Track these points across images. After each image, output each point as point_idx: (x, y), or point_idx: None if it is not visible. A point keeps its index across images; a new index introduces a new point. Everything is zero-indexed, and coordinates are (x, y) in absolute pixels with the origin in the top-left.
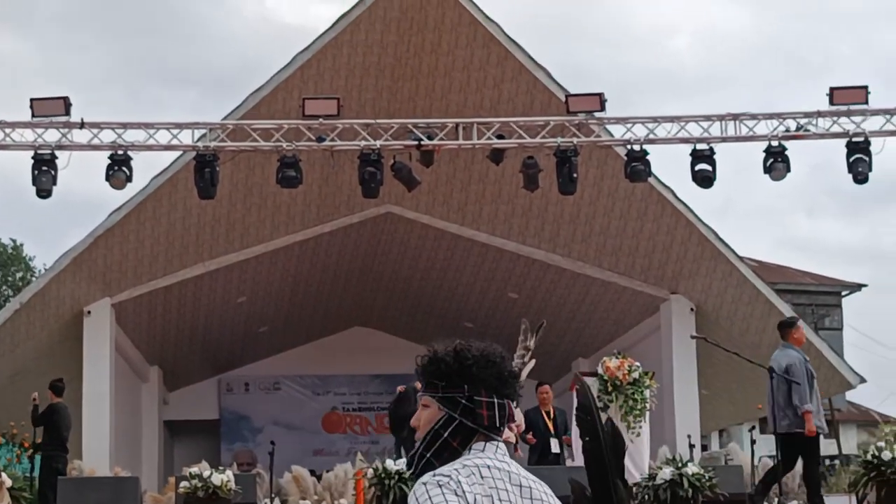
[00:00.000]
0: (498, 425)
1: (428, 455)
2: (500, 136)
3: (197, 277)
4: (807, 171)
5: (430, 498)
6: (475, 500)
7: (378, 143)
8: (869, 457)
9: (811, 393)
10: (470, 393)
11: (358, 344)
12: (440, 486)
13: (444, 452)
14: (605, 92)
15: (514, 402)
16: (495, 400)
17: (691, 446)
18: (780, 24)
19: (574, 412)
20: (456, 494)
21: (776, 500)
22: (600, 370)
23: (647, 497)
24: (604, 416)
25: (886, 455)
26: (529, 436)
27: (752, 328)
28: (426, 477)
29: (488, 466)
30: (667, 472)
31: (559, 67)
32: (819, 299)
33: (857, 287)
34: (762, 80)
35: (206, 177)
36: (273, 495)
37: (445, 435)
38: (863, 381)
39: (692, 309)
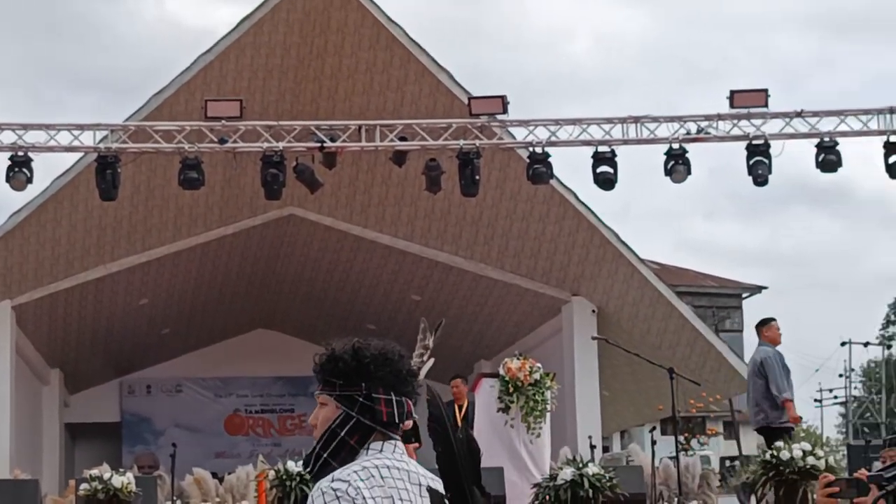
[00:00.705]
0: (396, 423)
1: (325, 455)
2: (402, 139)
3: (98, 279)
4: (706, 175)
5: None
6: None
7: (281, 144)
8: (767, 456)
9: (788, 384)
10: (367, 391)
11: (260, 346)
12: (337, 497)
13: (341, 451)
14: (508, 94)
15: (413, 401)
16: (393, 398)
17: (592, 447)
18: (677, 29)
19: (427, 423)
20: None
21: (675, 499)
22: (501, 371)
23: (547, 498)
24: (506, 417)
25: (785, 455)
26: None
27: (653, 329)
28: (324, 483)
29: (388, 467)
30: (567, 473)
31: (462, 70)
32: (720, 301)
33: (757, 289)
34: (662, 83)
35: (107, 178)
36: (174, 498)
37: (343, 434)
38: None
39: (594, 311)
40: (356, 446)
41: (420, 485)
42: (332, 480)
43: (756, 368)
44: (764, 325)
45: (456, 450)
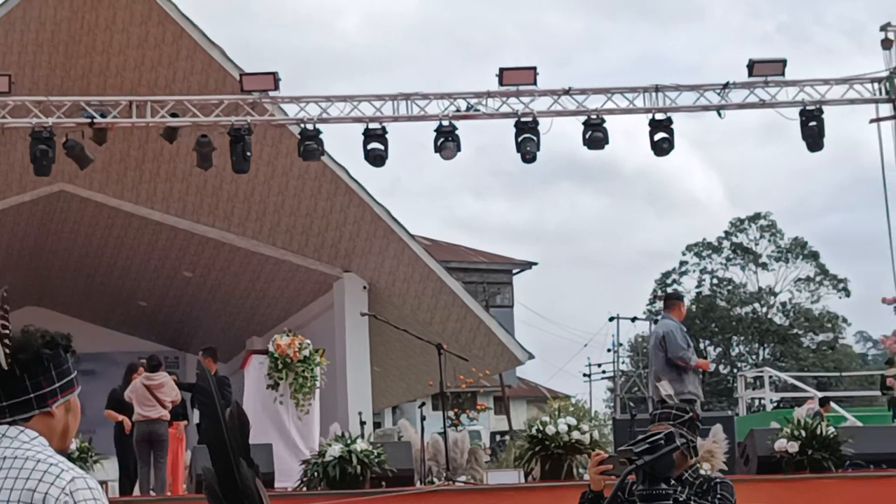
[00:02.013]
0: None
1: None
2: (173, 115)
3: None
4: (474, 152)
5: None
6: None
7: (50, 120)
8: (534, 431)
9: (689, 351)
10: None
11: (31, 324)
12: None
13: None
14: (280, 71)
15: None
16: None
17: (362, 423)
18: (447, 6)
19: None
20: None
21: (444, 474)
22: (271, 348)
23: (316, 474)
24: (275, 394)
25: (550, 430)
26: None
27: (423, 305)
28: None
29: None
30: (336, 449)
31: (234, 47)
32: (490, 277)
33: (527, 265)
34: (432, 61)
35: None
36: None
37: None
38: (531, 357)
39: (365, 287)
40: None
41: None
42: None
43: (658, 342)
44: (674, 300)
45: (224, 422)
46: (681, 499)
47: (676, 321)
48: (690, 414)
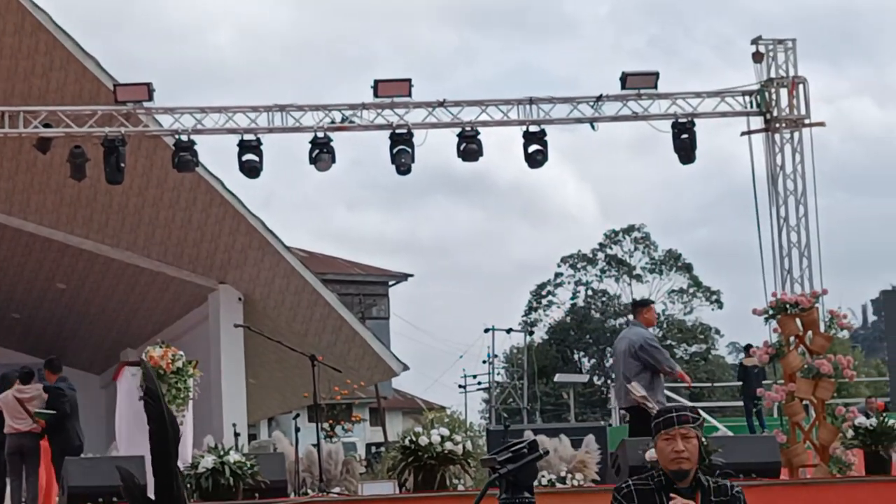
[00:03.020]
0: None
1: None
2: (47, 125)
3: None
4: (347, 165)
5: None
6: None
7: None
8: (407, 442)
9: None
10: None
11: None
12: None
13: None
14: (154, 82)
15: None
16: None
17: (236, 434)
18: (320, 21)
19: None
20: None
21: (318, 486)
22: (144, 360)
23: (189, 486)
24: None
25: (424, 440)
26: None
27: (299, 317)
28: None
29: None
30: (209, 461)
31: (108, 57)
32: (367, 289)
33: (403, 277)
34: (307, 73)
35: None
36: None
37: None
38: (406, 368)
39: (240, 299)
40: None
41: None
42: None
43: (633, 351)
44: (644, 305)
45: (168, 426)
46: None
47: (645, 328)
48: (701, 418)
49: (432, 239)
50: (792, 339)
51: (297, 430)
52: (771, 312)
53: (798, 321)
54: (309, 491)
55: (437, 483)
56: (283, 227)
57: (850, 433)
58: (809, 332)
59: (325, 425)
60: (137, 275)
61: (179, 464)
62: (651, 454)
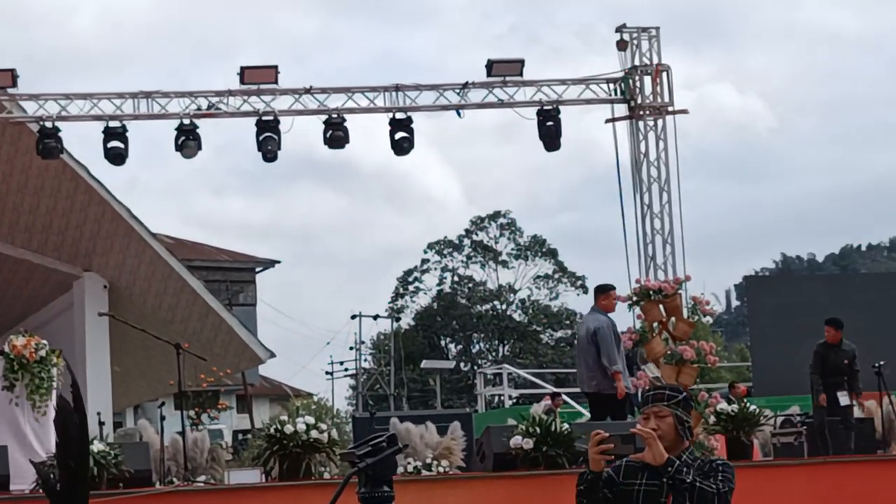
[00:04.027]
0: None
1: None
2: None
3: None
4: (212, 152)
5: None
6: None
7: None
8: (272, 430)
9: (619, 354)
10: None
11: None
12: None
13: None
14: (17, 68)
15: None
16: None
17: (101, 423)
18: (181, 6)
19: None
20: None
21: (183, 474)
22: (6, 349)
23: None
24: (10, 395)
25: (289, 429)
26: None
27: (164, 304)
28: None
29: None
30: None
31: None
32: (234, 276)
33: (270, 263)
34: (172, 59)
35: None
36: None
37: None
38: (273, 355)
39: (105, 286)
40: None
41: None
42: None
43: (589, 336)
44: (603, 291)
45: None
46: (687, 479)
47: (605, 314)
48: (684, 394)
49: (298, 226)
50: (655, 325)
51: (163, 418)
52: (634, 299)
53: (661, 307)
54: (174, 479)
55: (303, 471)
56: (149, 213)
57: (713, 419)
58: (673, 319)
59: (191, 413)
60: (1, 262)
61: (42, 454)
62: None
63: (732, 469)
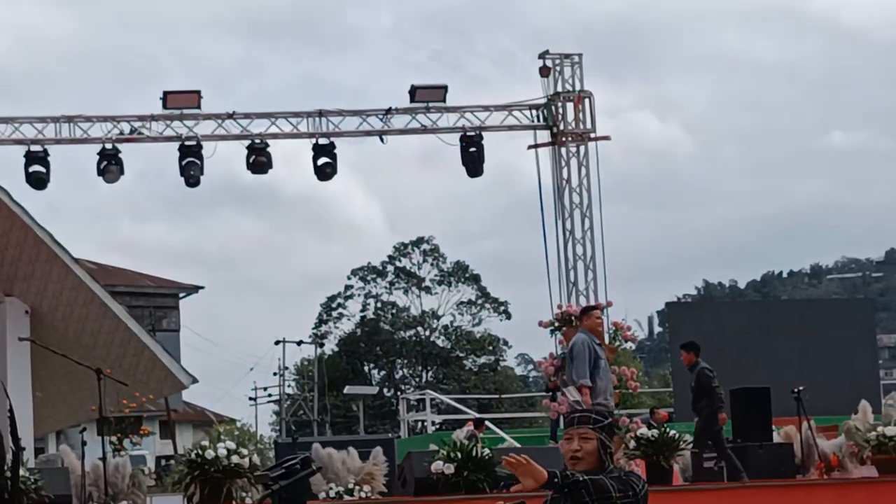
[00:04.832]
0: None
1: None
2: None
3: None
4: (132, 177)
5: None
6: None
7: None
8: (193, 455)
9: (597, 372)
10: None
11: None
12: None
13: None
14: None
15: None
16: None
17: (22, 449)
18: (102, 32)
19: None
20: None
21: (104, 499)
22: None
23: None
24: None
25: (210, 454)
26: None
27: (87, 330)
28: None
29: None
30: None
31: None
32: (157, 301)
33: (194, 289)
34: (94, 84)
35: None
36: None
37: None
38: (195, 381)
39: (27, 311)
40: None
41: None
42: None
43: (570, 355)
44: (585, 313)
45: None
46: (581, 478)
47: (588, 334)
48: (610, 419)
49: (219, 251)
50: None
51: (84, 443)
52: (556, 324)
53: None
54: None
55: (224, 496)
56: (71, 238)
57: (633, 444)
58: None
59: (114, 439)
60: None
61: None
62: None
63: (639, 476)
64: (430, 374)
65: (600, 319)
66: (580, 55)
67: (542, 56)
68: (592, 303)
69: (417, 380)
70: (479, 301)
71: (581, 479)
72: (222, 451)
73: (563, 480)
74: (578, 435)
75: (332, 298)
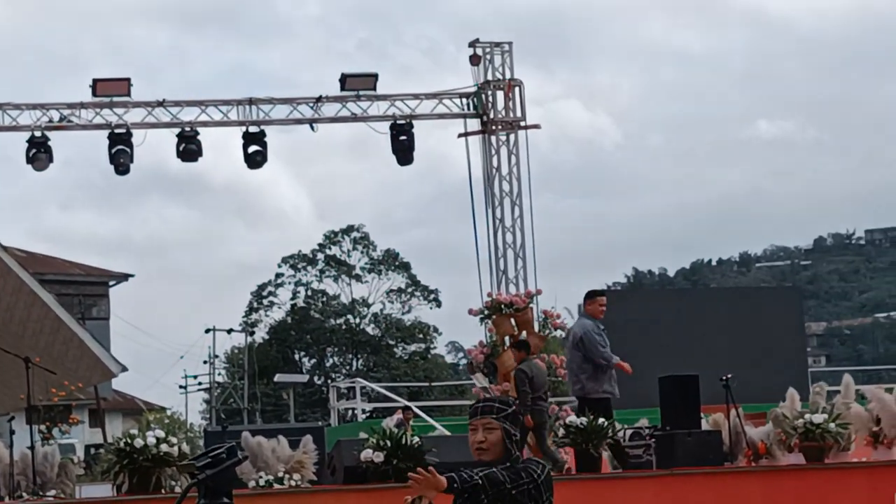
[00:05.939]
0: None
1: None
2: None
3: None
4: (60, 164)
5: None
6: None
7: None
8: (122, 444)
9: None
10: None
11: None
12: None
13: None
14: None
15: None
16: None
17: None
18: (29, 18)
19: None
20: None
21: (32, 489)
22: None
23: None
24: None
25: (139, 442)
26: None
27: (15, 318)
28: None
29: None
30: None
31: None
32: (87, 289)
33: (124, 277)
34: (21, 71)
35: None
36: None
37: None
38: (125, 369)
39: None
40: None
41: None
42: None
43: (575, 342)
44: (589, 298)
45: None
46: (475, 478)
47: (593, 319)
48: (513, 407)
49: (149, 239)
50: (507, 338)
51: (13, 432)
52: (486, 312)
53: (513, 321)
54: (24, 494)
55: (153, 485)
56: None
57: (562, 432)
58: (524, 332)
59: (42, 427)
60: None
61: None
62: None
63: (538, 465)
64: (360, 361)
65: (603, 306)
66: (510, 43)
67: (473, 44)
68: (522, 291)
69: (348, 368)
70: (410, 289)
71: (478, 481)
72: (151, 440)
73: (462, 485)
74: (482, 426)
75: (262, 287)
